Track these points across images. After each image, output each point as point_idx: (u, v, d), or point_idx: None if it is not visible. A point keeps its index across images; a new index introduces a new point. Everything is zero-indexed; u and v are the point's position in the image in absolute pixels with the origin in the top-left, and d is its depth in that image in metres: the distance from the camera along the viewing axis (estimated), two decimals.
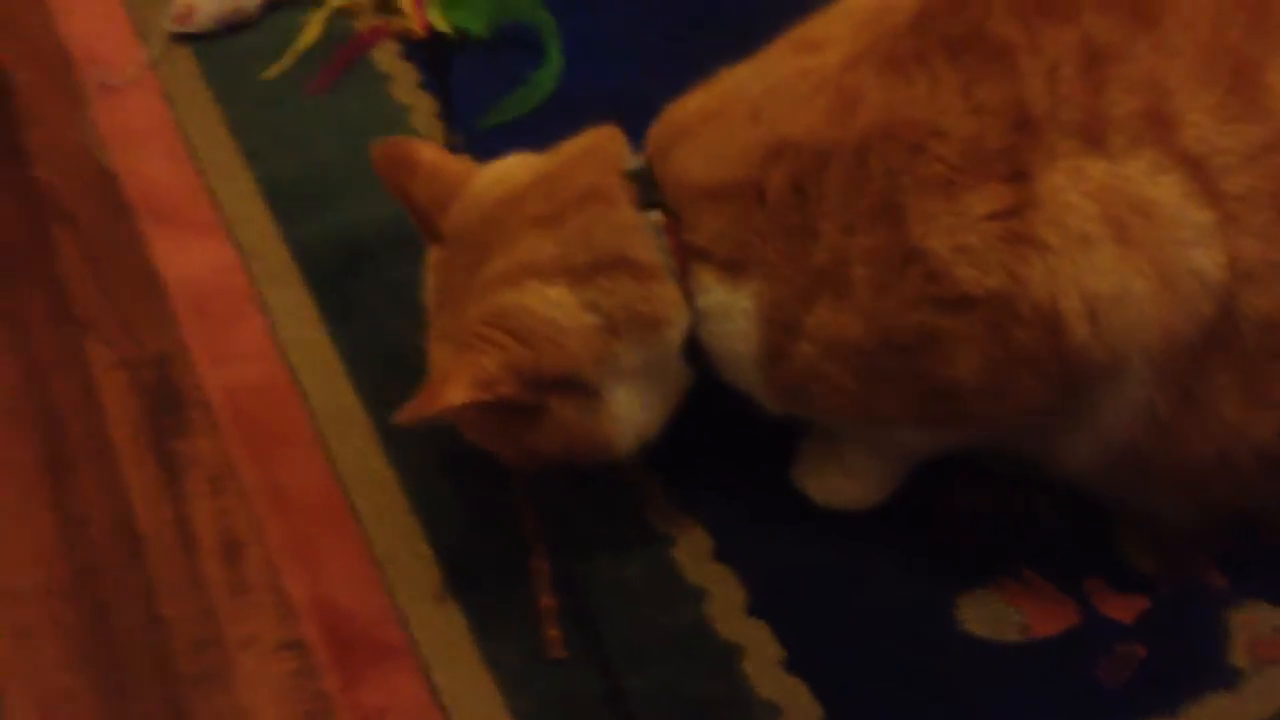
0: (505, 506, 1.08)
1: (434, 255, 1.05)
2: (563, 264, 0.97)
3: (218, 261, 1.24)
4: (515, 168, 1.04)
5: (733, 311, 0.97)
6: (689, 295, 0.97)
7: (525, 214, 1.00)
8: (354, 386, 1.17)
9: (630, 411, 1.01)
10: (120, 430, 1.13)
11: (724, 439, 1.11)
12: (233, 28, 1.42)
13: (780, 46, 1.01)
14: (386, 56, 1.44)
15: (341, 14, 1.46)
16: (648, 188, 0.98)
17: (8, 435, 1.13)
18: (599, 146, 1.02)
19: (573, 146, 1.04)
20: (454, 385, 0.93)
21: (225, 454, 1.12)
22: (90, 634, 1.02)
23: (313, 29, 1.43)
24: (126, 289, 1.22)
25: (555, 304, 0.96)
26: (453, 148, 1.30)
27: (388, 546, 1.08)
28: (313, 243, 1.27)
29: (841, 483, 1.09)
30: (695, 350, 1.00)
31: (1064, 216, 0.85)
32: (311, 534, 1.08)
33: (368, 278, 1.24)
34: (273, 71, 1.40)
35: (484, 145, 1.16)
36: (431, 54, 1.40)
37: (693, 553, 1.07)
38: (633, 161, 1.00)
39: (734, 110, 0.98)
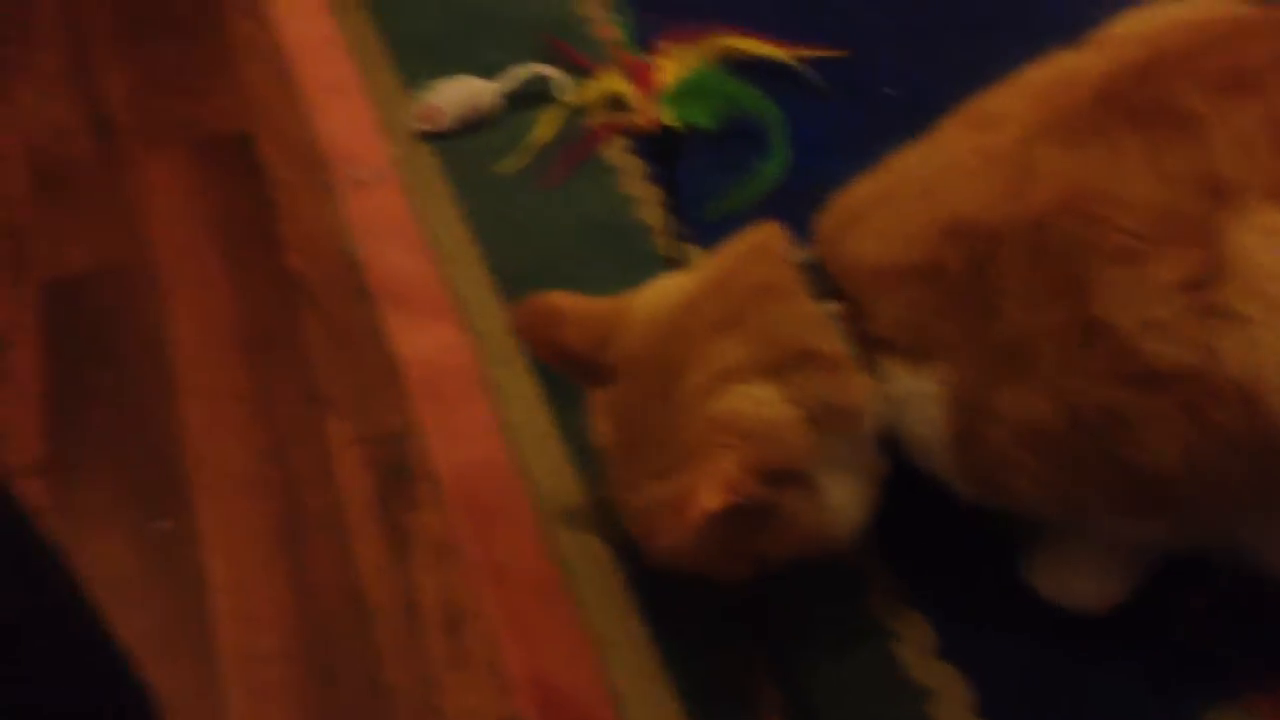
0: (722, 590, 1.07)
1: (604, 396, 1.05)
2: (755, 363, 0.97)
3: (449, 344, 1.29)
4: (675, 283, 1.05)
5: (919, 397, 0.96)
6: (879, 388, 0.97)
7: (705, 322, 1.00)
8: (575, 470, 1.19)
9: (843, 500, 1.00)
10: (353, 503, 1.18)
11: (951, 528, 1.08)
12: (473, 127, 1.50)
13: (952, 124, 1.01)
14: (615, 151, 1.48)
15: (574, 112, 1.52)
16: (822, 278, 0.99)
17: (251, 504, 1.18)
18: (763, 243, 1.03)
19: (735, 247, 1.04)
20: (706, 493, 0.92)
21: (450, 528, 1.15)
22: (320, 698, 1.06)
23: (547, 126, 1.49)
24: (365, 369, 1.28)
25: (763, 402, 0.96)
26: (679, 237, 1.33)
27: (604, 627, 1.09)
28: None
29: (1073, 580, 1.05)
30: (889, 438, 1.00)
31: (1262, 284, 0.82)
32: (530, 611, 1.10)
33: None
34: (508, 166, 1.46)
35: (707, 235, 1.19)
36: (659, 147, 1.45)
37: (917, 648, 1.05)
38: (800, 254, 1.01)
39: (906, 191, 0.98)
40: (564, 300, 1.07)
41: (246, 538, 1.17)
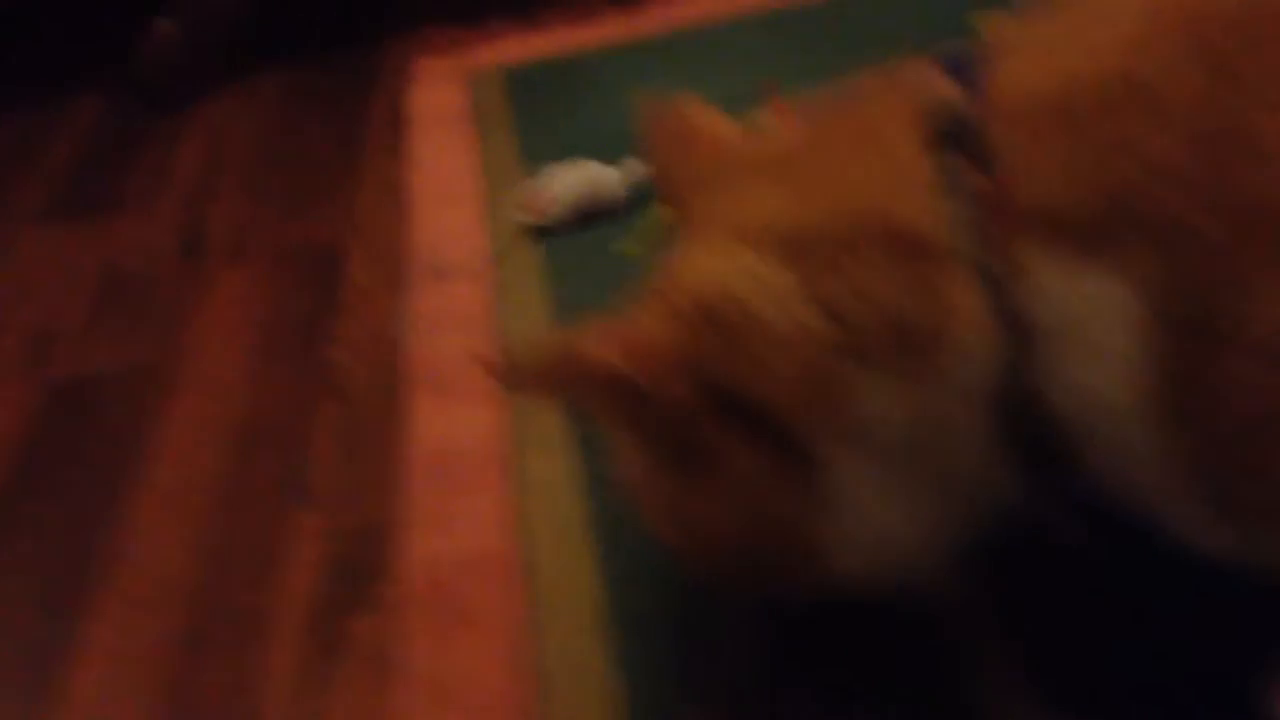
0: None
1: None
2: (788, 228, 0.61)
3: (482, 430, 0.98)
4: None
5: (1097, 319, 0.55)
6: (1008, 304, 0.57)
7: (764, 162, 0.67)
8: (595, 567, 0.84)
9: (864, 504, 0.61)
10: (289, 607, 0.87)
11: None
12: (590, 217, 1.24)
13: None
14: None
15: None
16: (957, 124, 0.60)
17: (157, 610, 0.90)
18: (904, 76, 0.65)
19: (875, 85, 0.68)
20: (598, 340, 0.62)
21: (399, 637, 0.82)
22: None
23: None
24: (368, 459, 0.99)
25: (759, 282, 0.60)
26: None
27: None
28: None
29: None
30: (1020, 417, 0.59)
31: None
32: None
33: None
34: (621, 247, 1.17)
35: None
36: None
37: None
38: (954, 101, 0.62)
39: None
40: (698, 120, 0.77)
41: (135, 649, 0.87)
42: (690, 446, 0.62)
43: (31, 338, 1.27)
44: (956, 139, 0.60)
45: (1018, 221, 0.57)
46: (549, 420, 0.97)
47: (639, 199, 1.22)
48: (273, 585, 0.89)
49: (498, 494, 0.92)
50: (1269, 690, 0.63)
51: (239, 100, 1.72)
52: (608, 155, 1.27)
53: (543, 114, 1.50)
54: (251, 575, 0.91)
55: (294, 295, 1.24)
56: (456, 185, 1.37)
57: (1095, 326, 0.56)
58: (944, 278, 0.58)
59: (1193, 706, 0.65)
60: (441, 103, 1.58)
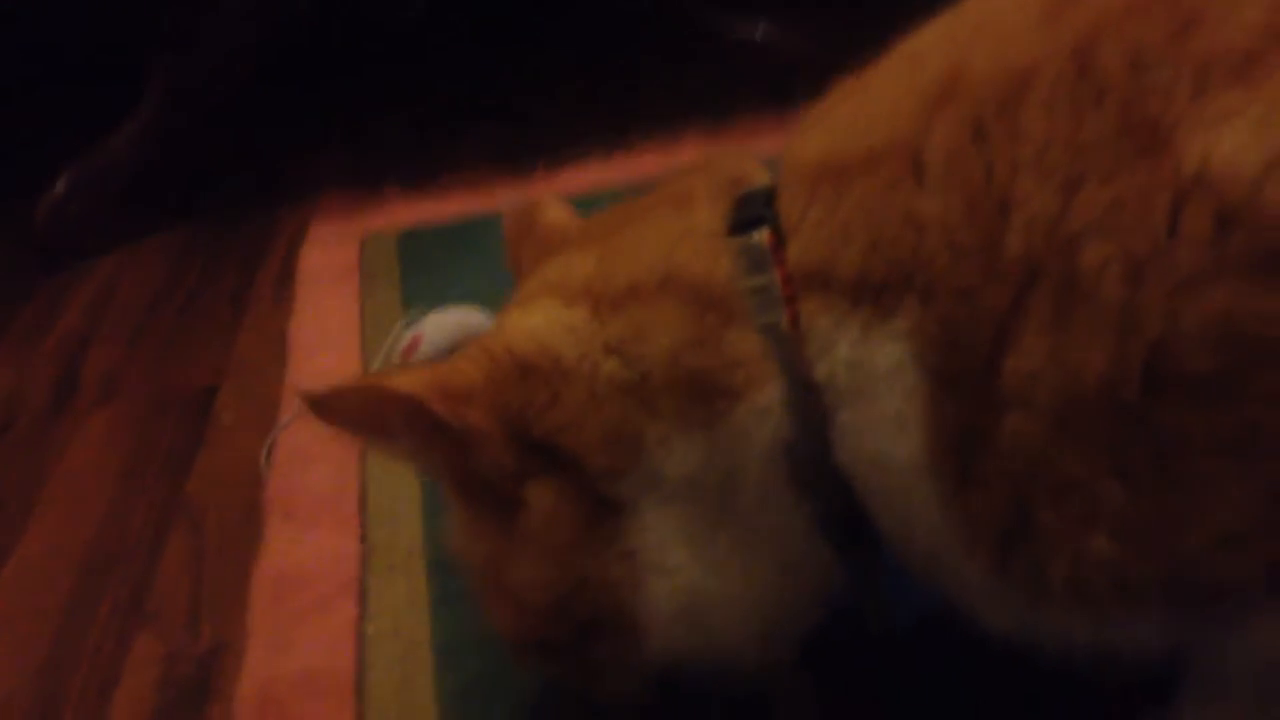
0: None
1: None
2: (595, 284, 0.64)
3: (330, 555, 0.98)
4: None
5: (874, 373, 0.58)
6: (794, 361, 0.60)
7: (586, 234, 0.71)
8: (432, 685, 0.83)
9: (669, 558, 0.62)
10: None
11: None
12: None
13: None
14: None
15: None
16: (753, 201, 0.64)
17: None
18: (716, 159, 0.70)
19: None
20: (411, 377, 0.63)
21: None
22: None
23: None
24: (215, 581, 0.98)
25: (567, 331, 0.63)
26: None
27: None
28: None
29: None
30: (814, 476, 0.60)
31: None
32: None
33: None
34: None
35: None
36: None
37: None
38: (763, 178, 0.66)
39: (890, 69, 0.64)
40: (550, 211, 0.80)
41: None
42: (499, 492, 0.63)
43: None
44: (754, 205, 0.63)
45: (801, 282, 0.60)
46: (399, 545, 0.98)
47: None
48: (106, 708, 0.88)
49: (341, 616, 0.91)
50: None
51: (131, 257, 1.74)
52: (488, 307, 1.30)
53: (428, 271, 1.53)
54: (86, 699, 0.89)
55: (161, 433, 1.24)
56: (336, 332, 1.38)
57: (875, 379, 0.58)
58: (732, 332, 0.61)
59: None
60: (331, 261, 1.60)
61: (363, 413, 0.65)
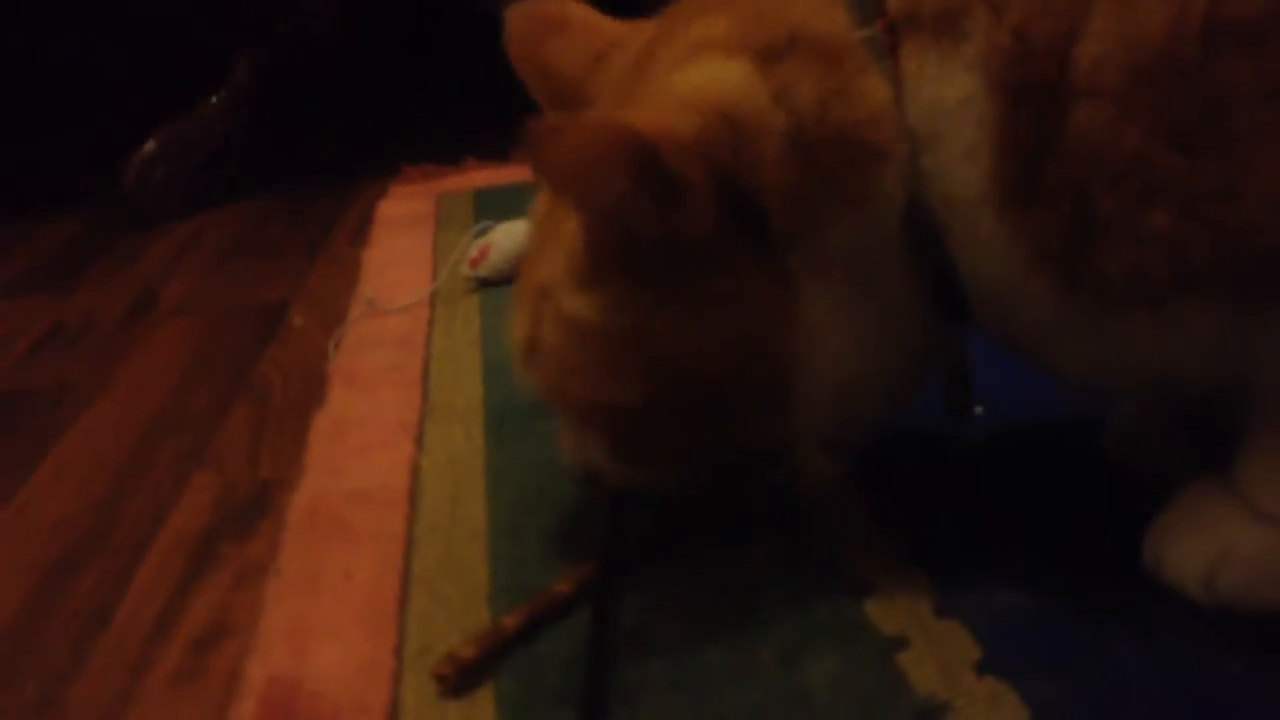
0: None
1: None
2: (739, 38, 0.63)
3: (395, 407, 0.98)
4: None
5: (949, 109, 0.58)
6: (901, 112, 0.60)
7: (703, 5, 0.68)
8: (484, 502, 0.83)
9: (837, 342, 0.63)
10: (171, 537, 0.86)
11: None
12: None
13: None
14: None
15: None
16: None
17: (38, 537, 0.90)
18: None
19: None
20: (643, 119, 0.60)
21: (272, 551, 0.80)
22: None
23: None
24: (275, 437, 0.99)
25: (743, 82, 0.61)
26: None
27: (424, 638, 0.69)
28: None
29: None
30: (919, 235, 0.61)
31: None
32: (331, 618, 0.72)
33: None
34: None
35: None
36: None
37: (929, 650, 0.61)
38: None
39: None
40: (573, 9, 0.78)
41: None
42: (690, 254, 0.62)
43: None
44: None
45: (901, 27, 0.60)
46: (458, 404, 0.98)
47: None
48: (157, 525, 0.88)
49: (399, 452, 0.92)
50: None
51: (214, 217, 1.79)
52: None
53: (503, 218, 1.55)
54: (140, 522, 0.90)
55: (233, 334, 1.26)
56: (408, 257, 1.40)
57: (948, 122, 0.58)
58: (864, 80, 0.60)
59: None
60: (408, 210, 1.63)
61: (581, 152, 0.61)
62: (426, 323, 1.19)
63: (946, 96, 0.58)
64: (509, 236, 1.27)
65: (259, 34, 1.99)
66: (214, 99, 1.92)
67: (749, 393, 0.64)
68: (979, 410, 0.80)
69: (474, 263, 1.27)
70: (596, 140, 0.60)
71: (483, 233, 1.31)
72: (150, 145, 1.82)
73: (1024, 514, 0.71)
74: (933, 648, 0.62)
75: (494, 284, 1.25)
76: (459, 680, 0.64)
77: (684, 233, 0.61)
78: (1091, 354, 0.60)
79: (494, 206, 1.56)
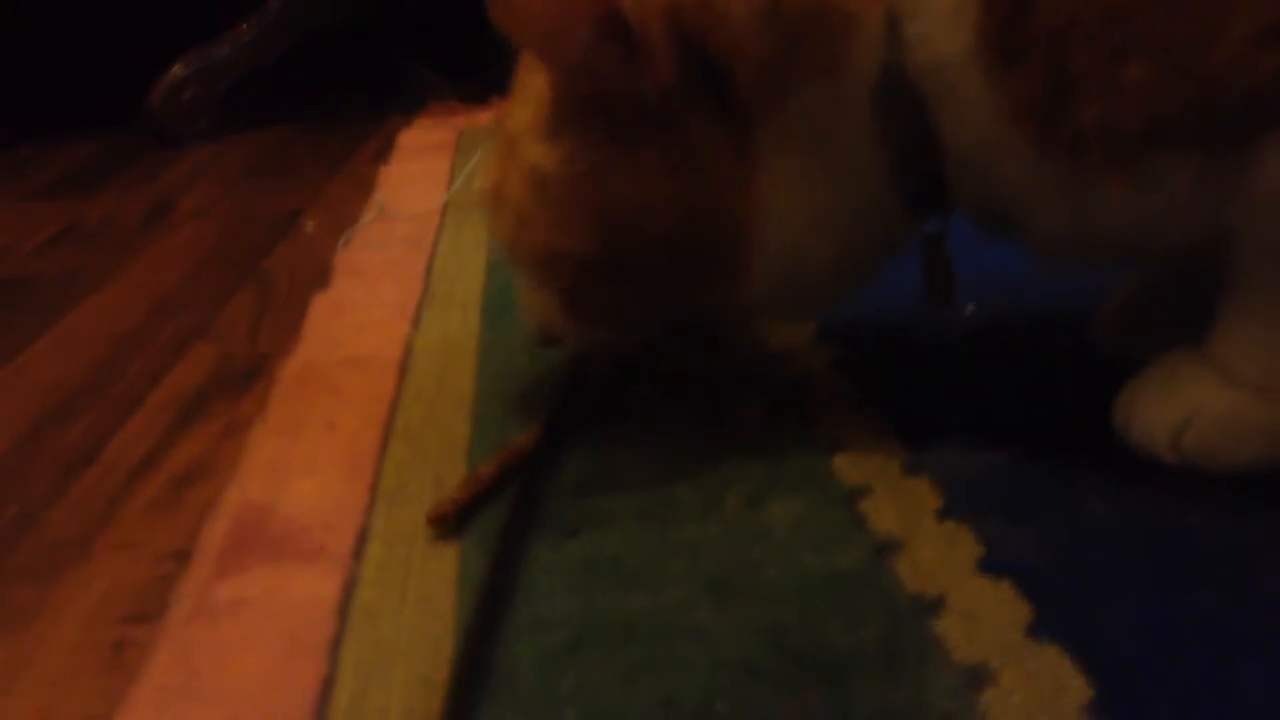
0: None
1: None
2: None
3: (395, 294, 1.00)
4: None
5: None
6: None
7: None
8: (474, 370, 0.84)
9: (793, 201, 0.63)
10: (165, 393, 0.88)
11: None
12: None
13: None
14: None
15: None
16: None
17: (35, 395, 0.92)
18: None
19: None
20: None
21: (260, 406, 0.82)
22: None
23: None
24: (277, 318, 1.01)
25: None
26: None
27: (400, 479, 0.70)
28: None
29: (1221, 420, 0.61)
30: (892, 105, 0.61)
31: None
32: (311, 459, 0.74)
33: None
34: None
35: None
36: None
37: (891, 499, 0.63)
38: None
39: None
40: None
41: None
42: (652, 111, 0.62)
43: None
44: None
45: None
46: (457, 294, 0.99)
47: None
48: (154, 385, 0.90)
49: (394, 330, 0.93)
50: None
51: (237, 142, 1.81)
52: None
53: None
54: (136, 382, 0.91)
55: (245, 235, 1.28)
56: (424, 176, 1.42)
57: None
58: None
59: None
60: (430, 140, 1.65)
61: (545, 5, 0.62)
62: (435, 229, 1.21)
63: None
64: None
65: None
66: (245, 28, 1.94)
67: (699, 256, 0.65)
68: (970, 308, 0.82)
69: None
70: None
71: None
72: (178, 68, 1.85)
73: (1004, 391, 0.72)
74: (896, 497, 0.62)
75: None
76: (456, 523, 0.66)
77: (645, 89, 0.62)
78: (1069, 220, 0.60)
79: None
